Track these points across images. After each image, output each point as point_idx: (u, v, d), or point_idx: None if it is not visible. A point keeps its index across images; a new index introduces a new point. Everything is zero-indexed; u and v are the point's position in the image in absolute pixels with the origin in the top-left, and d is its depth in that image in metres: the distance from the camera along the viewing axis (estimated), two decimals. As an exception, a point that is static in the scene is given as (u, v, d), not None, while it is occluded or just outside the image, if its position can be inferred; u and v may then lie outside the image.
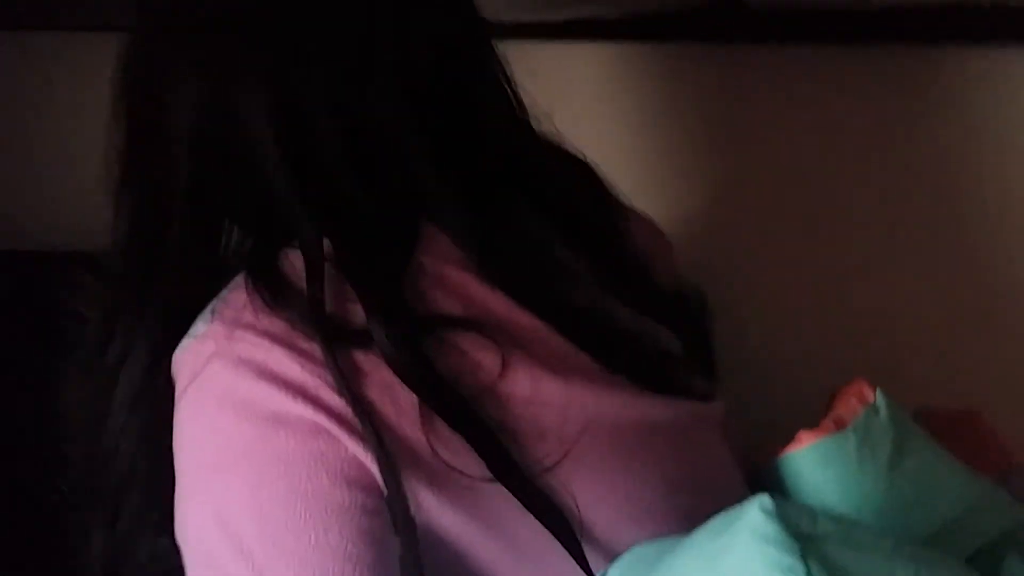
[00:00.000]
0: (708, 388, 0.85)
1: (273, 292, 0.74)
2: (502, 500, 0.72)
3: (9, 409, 1.05)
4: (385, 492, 0.71)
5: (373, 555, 0.70)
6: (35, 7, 1.19)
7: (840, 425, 0.81)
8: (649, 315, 0.84)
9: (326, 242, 0.75)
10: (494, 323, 0.75)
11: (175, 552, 0.74)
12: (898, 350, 1.20)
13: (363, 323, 0.73)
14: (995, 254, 1.19)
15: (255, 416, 0.71)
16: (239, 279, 0.76)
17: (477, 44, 0.84)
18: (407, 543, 0.71)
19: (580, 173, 0.90)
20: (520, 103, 0.85)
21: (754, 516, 0.63)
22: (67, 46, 1.21)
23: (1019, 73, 1.14)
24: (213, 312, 0.75)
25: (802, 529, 0.62)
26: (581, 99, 1.19)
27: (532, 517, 0.72)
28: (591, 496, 0.75)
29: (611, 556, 0.74)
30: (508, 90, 0.84)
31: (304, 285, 0.73)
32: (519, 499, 0.72)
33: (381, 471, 0.70)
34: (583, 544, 0.74)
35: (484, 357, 0.74)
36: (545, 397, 0.75)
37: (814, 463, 0.80)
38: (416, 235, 0.77)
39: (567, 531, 0.73)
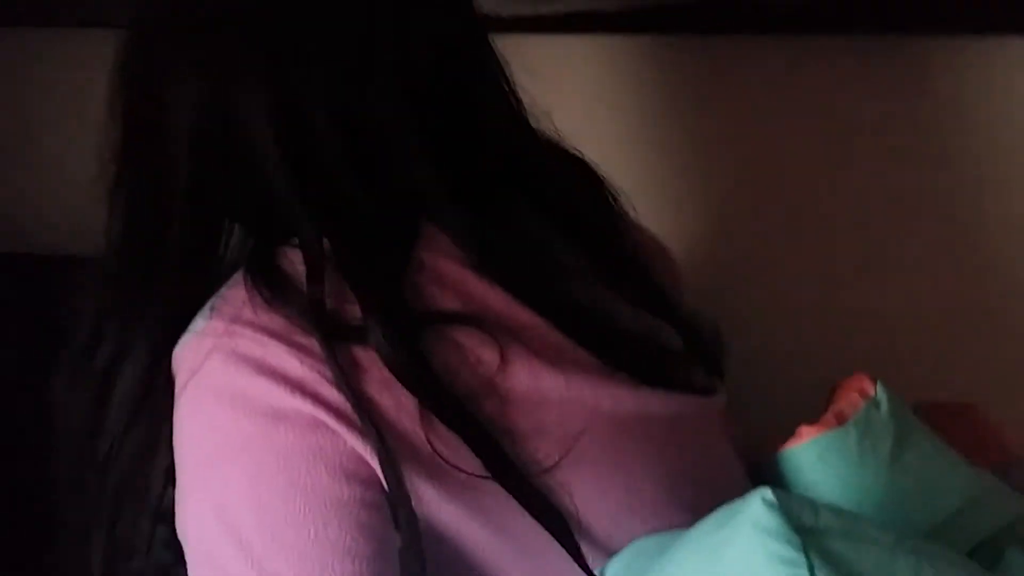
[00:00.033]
0: (708, 383, 0.85)
1: (272, 289, 0.74)
2: (502, 495, 0.72)
3: (8, 410, 1.05)
4: (386, 487, 0.71)
5: (372, 549, 0.70)
6: (35, 4, 1.19)
7: (841, 419, 0.81)
8: (649, 311, 0.84)
9: (325, 241, 0.75)
10: (492, 318, 0.76)
11: (177, 551, 0.74)
12: (897, 344, 1.20)
13: (362, 319, 0.73)
14: (994, 249, 1.19)
15: (254, 411, 0.71)
16: (238, 276, 0.76)
17: (477, 44, 0.84)
18: (410, 538, 0.71)
19: (580, 172, 0.90)
20: (520, 103, 0.85)
21: (756, 509, 0.63)
22: (67, 43, 1.21)
23: (1020, 65, 1.14)
24: (212, 309, 0.75)
25: (804, 522, 0.63)
26: (580, 92, 1.19)
27: None
28: (591, 492, 0.75)
29: (612, 551, 0.74)
30: (508, 90, 0.84)
31: (303, 282, 0.74)
32: (516, 499, 0.72)
33: (382, 466, 0.70)
34: (583, 540, 0.74)
35: (483, 352, 0.74)
36: (545, 391, 0.75)
37: (815, 458, 0.80)
38: (416, 235, 0.77)
39: (564, 530, 0.73)
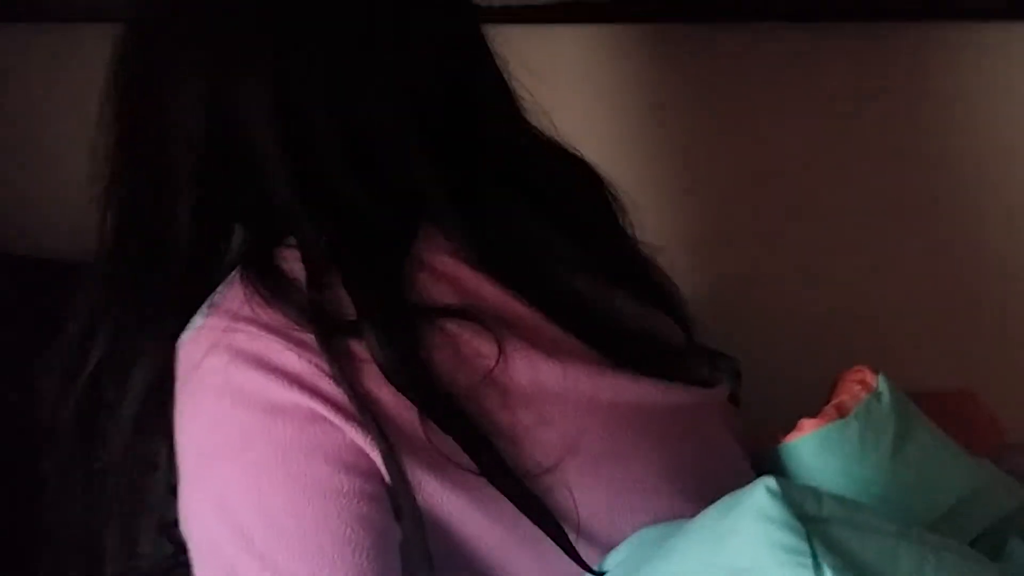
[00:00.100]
0: (710, 375, 0.85)
1: (270, 287, 0.74)
2: None
3: (8, 410, 1.04)
4: (387, 479, 0.71)
5: (372, 540, 0.70)
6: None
7: (842, 412, 0.81)
8: (650, 304, 0.85)
9: (324, 239, 0.75)
10: (488, 311, 0.76)
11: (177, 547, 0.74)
12: (897, 336, 1.20)
13: (358, 315, 0.73)
14: (993, 242, 1.20)
15: (253, 405, 0.71)
16: (236, 274, 0.76)
17: (477, 44, 0.84)
18: (412, 530, 0.71)
19: (579, 171, 0.91)
20: (519, 102, 0.85)
21: (760, 497, 0.63)
22: (67, 40, 1.20)
23: (1015, 51, 1.15)
24: (211, 306, 0.75)
25: (807, 511, 0.63)
26: (572, 81, 1.19)
27: None
28: (591, 482, 0.75)
29: (613, 542, 0.74)
30: (507, 89, 0.85)
31: (300, 280, 0.74)
32: (509, 499, 0.72)
33: (383, 459, 0.70)
34: (583, 532, 0.74)
35: (481, 345, 0.75)
36: (543, 382, 0.75)
37: (816, 450, 0.80)
38: (415, 235, 0.78)
39: (559, 530, 0.73)
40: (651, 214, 0.93)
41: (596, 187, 0.91)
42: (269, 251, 0.76)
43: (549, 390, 0.75)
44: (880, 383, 0.82)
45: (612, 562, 0.73)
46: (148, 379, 0.76)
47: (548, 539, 0.73)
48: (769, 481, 0.63)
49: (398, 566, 0.71)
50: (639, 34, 1.18)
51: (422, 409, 0.71)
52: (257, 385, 0.71)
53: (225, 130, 0.76)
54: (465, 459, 0.71)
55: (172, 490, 0.75)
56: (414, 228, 0.78)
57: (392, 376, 0.71)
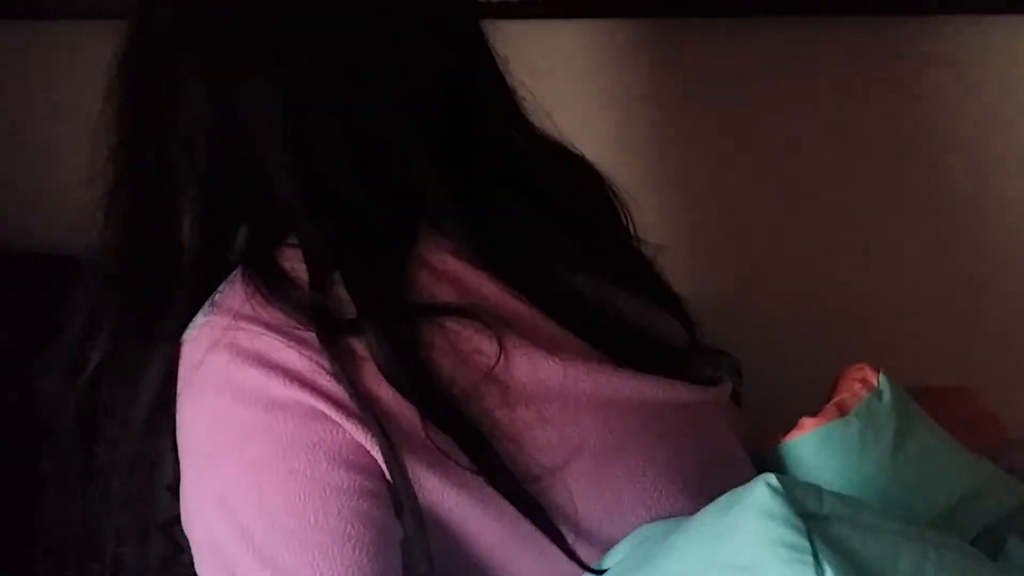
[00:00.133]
0: (713, 374, 0.85)
1: (271, 286, 0.74)
2: None
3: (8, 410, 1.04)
4: (388, 476, 0.71)
5: (373, 536, 0.70)
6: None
7: (843, 410, 0.81)
8: (652, 303, 0.85)
9: (325, 239, 0.75)
10: (489, 309, 0.76)
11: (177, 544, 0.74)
12: (893, 331, 1.21)
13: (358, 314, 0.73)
14: (991, 240, 1.20)
15: (254, 402, 0.71)
16: (237, 274, 0.76)
17: (477, 44, 0.84)
18: (414, 527, 0.71)
19: (580, 171, 0.91)
20: (519, 101, 0.85)
21: (761, 494, 0.63)
22: (67, 37, 1.20)
23: (1017, 46, 1.15)
24: (212, 305, 0.75)
25: (808, 508, 0.63)
26: (571, 77, 1.19)
27: None
28: (591, 479, 0.75)
29: (614, 539, 0.74)
30: (507, 89, 0.85)
31: (301, 279, 0.74)
32: (506, 499, 0.72)
33: (384, 456, 0.71)
34: (584, 532, 0.74)
35: (481, 342, 0.75)
36: (543, 379, 0.75)
37: (816, 449, 0.80)
38: (415, 234, 0.78)
39: (555, 532, 0.73)
40: (651, 212, 0.94)
41: (597, 186, 0.91)
42: (270, 250, 0.76)
43: (549, 388, 0.75)
44: (881, 381, 0.82)
45: (613, 559, 0.73)
46: (157, 381, 0.76)
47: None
48: (770, 478, 0.63)
49: (399, 563, 0.71)
50: (638, 29, 1.18)
51: (421, 409, 0.72)
52: (257, 382, 0.71)
53: (226, 130, 0.76)
54: (464, 458, 0.72)
55: (173, 488, 0.76)
56: (415, 227, 0.78)
57: (391, 376, 0.72)
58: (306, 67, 0.76)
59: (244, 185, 0.77)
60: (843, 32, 1.16)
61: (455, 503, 0.72)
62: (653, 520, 0.75)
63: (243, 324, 0.73)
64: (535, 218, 0.84)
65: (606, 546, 0.74)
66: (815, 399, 0.85)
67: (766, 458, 0.83)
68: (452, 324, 0.75)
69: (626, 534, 0.74)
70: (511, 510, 0.72)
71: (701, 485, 0.77)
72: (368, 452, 0.71)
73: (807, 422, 0.81)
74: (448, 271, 0.77)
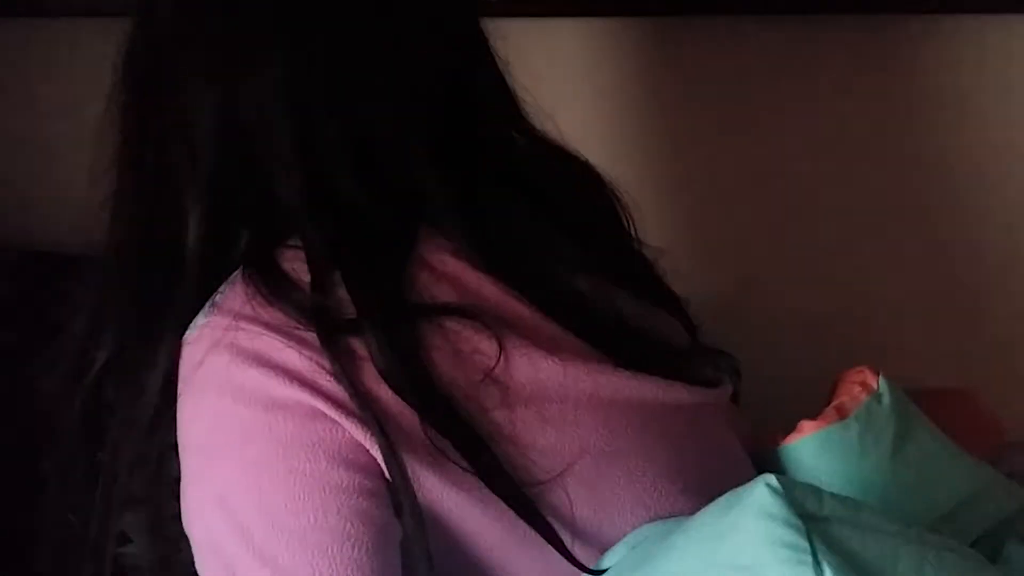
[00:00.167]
0: (712, 375, 0.85)
1: (271, 286, 0.74)
2: None
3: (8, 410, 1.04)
4: (387, 475, 0.71)
5: (372, 536, 0.70)
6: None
7: (842, 413, 0.81)
8: (652, 304, 0.85)
9: (325, 240, 0.75)
10: (488, 309, 0.76)
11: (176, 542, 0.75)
12: (893, 332, 1.21)
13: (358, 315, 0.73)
14: (991, 241, 1.20)
15: (254, 401, 0.71)
16: (238, 274, 0.76)
17: (477, 44, 0.84)
18: (414, 527, 0.71)
19: (580, 171, 0.91)
20: (519, 102, 0.85)
21: (761, 495, 0.63)
22: (67, 34, 1.20)
23: (1016, 45, 1.15)
24: (213, 305, 0.75)
25: (808, 509, 0.63)
26: (571, 75, 1.19)
27: None
28: (590, 479, 0.75)
29: (613, 539, 0.74)
30: (507, 89, 0.85)
31: (302, 280, 0.74)
32: (506, 502, 0.72)
33: (383, 456, 0.71)
34: (582, 533, 0.74)
35: (481, 342, 0.75)
36: (543, 379, 0.75)
37: (816, 452, 0.80)
38: (416, 235, 0.78)
39: (553, 533, 0.73)
40: (650, 212, 0.93)
41: (597, 187, 0.91)
42: (271, 251, 0.77)
43: (549, 388, 0.76)
44: (881, 384, 0.82)
45: (612, 559, 0.73)
46: (160, 381, 0.77)
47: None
48: (770, 478, 0.63)
49: (398, 563, 0.72)
50: (638, 29, 1.18)
51: (420, 411, 0.72)
52: (257, 382, 0.71)
53: (227, 130, 0.76)
54: (463, 461, 0.72)
55: (174, 488, 0.76)
56: (415, 228, 0.78)
57: (390, 377, 0.72)
58: (306, 67, 0.76)
59: (245, 185, 0.77)
60: (843, 32, 1.16)
61: (454, 503, 0.72)
62: (653, 520, 0.75)
63: (244, 324, 0.73)
64: (535, 218, 0.84)
65: (606, 546, 0.75)
66: (815, 399, 0.85)
67: (766, 459, 0.83)
68: (452, 324, 0.75)
69: (626, 534, 0.74)
70: (510, 511, 0.72)
71: (701, 486, 0.77)
72: (368, 451, 0.71)
73: (806, 425, 0.81)
74: (448, 271, 0.77)
